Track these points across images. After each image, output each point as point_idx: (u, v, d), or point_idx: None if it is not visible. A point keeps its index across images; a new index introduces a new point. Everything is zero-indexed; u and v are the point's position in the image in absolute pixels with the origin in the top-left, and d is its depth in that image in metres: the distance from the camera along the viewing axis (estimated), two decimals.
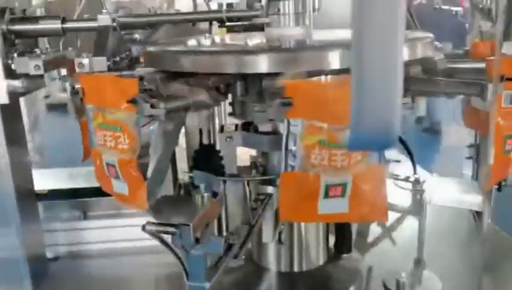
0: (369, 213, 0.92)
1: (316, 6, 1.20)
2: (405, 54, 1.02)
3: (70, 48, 1.36)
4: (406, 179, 1.55)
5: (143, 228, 0.89)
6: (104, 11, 1.23)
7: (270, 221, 1.12)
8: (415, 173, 1.53)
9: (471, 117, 1.29)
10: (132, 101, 0.88)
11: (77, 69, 1.08)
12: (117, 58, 1.19)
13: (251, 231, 1.01)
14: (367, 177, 0.88)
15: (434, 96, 1.00)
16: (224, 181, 1.12)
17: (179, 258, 0.90)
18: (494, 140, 1.03)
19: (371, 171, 0.88)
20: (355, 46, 0.57)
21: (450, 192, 1.20)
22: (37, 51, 1.27)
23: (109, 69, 1.12)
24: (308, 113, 0.87)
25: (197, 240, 0.85)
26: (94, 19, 1.20)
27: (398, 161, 1.63)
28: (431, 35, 1.14)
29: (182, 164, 1.92)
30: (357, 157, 0.88)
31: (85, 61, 1.08)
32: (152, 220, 1.14)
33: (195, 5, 1.75)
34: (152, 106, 0.88)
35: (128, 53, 1.34)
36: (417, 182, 1.47)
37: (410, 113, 0.95)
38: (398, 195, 1.30)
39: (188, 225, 0.83)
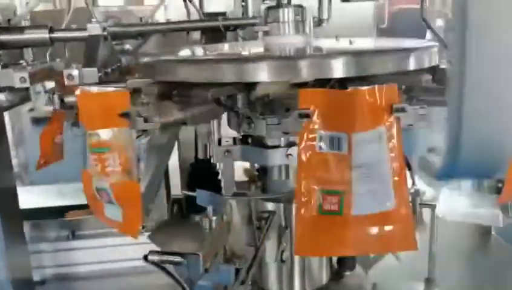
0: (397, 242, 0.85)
1: (325, 17, 1.15)
2: (414, 63, 0.97)
3: (58, 59, 1.29)
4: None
5: (145, 258, 0.81)
6: (94, 20, 1.16)
7: (274, 240, 1.06)
8: (414, 184, 1.48)
9: None
10: (124, 115, 0.81)
11: (66, 81, 1.01)
12: (108, 70, 1.12)
13: (257, 253, 0.94)
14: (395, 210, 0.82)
15: (444, 105, 0.94)
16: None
17: (184, 289, 0.82)
18: None
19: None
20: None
21: (464, 207, 1.15)
22: (23, 62, 1.20)
23: (100, 81, 1.06)
24: (328, 124, 0.81)
25: (206, 270, 0.77)
26: (84, 29, 1.13)
27: None
28: (436, 43, 1.09)
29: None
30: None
31: (75, 72, 1.01)
32: (146, 240, 1.07)
33: (188, 13, 1.70)
34: (146, 120, 0.82)
35: (118, 64, 1.27)
36: (416, 193, 1.43)
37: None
38: None
39: (197, 255, 0.75)
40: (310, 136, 0.81)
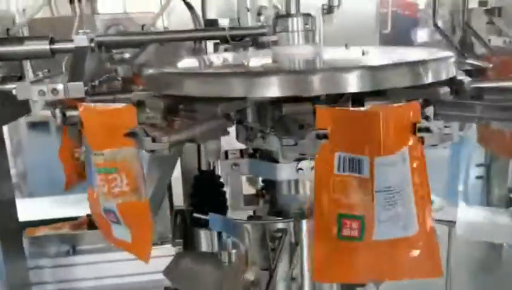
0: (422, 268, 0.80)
1: (336, 3, 1.11)
2: (430, 75, 0.94)
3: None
4: None
5: None
6: (81, 31, 1.12)
7: (286, 259, 1.02)
8: None
9: (488, 137, 1.21)
10: (131, 134, 0.76)
11: (50, 96, 0.97)
12: (96, 82, 1.07)
13: (272, 277, 0.90)
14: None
15: (467, 121, 0.91)
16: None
17: None
18: None
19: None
20: None
21: (481, 224, 1.11)
22: (40, 74, 1.16)
23: (87, 94, 1.01)
24: (347, 145, 0.76)
25: None
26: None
27: None
28: (452, 54, 1.06)
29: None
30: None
31: (59, 86, 0.97)
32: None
33: (195, 22, 1.66)
34: (154, 140, 0.77)
35: (108, 75, 1.23)
36: None
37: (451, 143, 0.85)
38: None
39: None
40: (329, 157, 0.77)
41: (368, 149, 0.75)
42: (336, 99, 0.92)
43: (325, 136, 0.76)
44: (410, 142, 0.75)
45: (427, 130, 0.74)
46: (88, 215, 1.61)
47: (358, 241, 0.77)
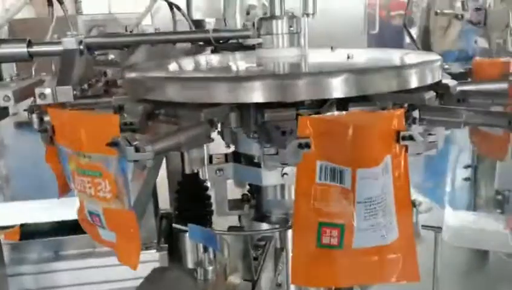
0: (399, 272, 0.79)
1: (311, 11, 1.09)
2: (416, 80, 0.92)
3: (43, 73, 1.21)
4: None
5: None
6: (68, 33, 1.08)
7: (271, 265, 1.00)
8: None
9: (480, 140, 1.21)
10: (113, 144, 0.73)
11: (38, 100, 0.93)
12: (85, 86, 1.04)
13: (255, 287, 0.88)
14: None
15: (453, 127, 0.90)
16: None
17: None
18: None
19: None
20: None
21: (468, 229, 1.09)
22: (7, 78, 1.11)
23: (76, 98, 0.98)
24: (329, 154, 0.74)
25: None
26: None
27: None
28: (439, 57, 1.04)
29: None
30: None
31: (47, 91, 0.93)
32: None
33: (174, 22, 1.64)
34: (138, 149, 0.73)
35: (97, 78, 1.20)
36: (412, 204, 1.38)
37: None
38: None
39: None
40: (310, 166, 0.75)
41: (351, 160, 0.74)
42: (321, 104, 0.90)
43: (307, 145, 0.74)
44: (393, 151, 0.74)
45: (411, 138, 0.72)
46: (21, 225, 1.55)
47: (338, 249, 0.76)
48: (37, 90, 0.91)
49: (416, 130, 0.79)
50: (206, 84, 0.88)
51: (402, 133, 0.73)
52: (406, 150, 0.74)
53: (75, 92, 0.92)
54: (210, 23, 1.96)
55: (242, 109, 0.93)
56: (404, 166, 0.74)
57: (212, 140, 0.88)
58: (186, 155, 0.95)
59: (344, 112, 0.83)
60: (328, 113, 0.82)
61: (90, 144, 0.76)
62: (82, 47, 1.01)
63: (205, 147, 1.14)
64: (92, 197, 0.80)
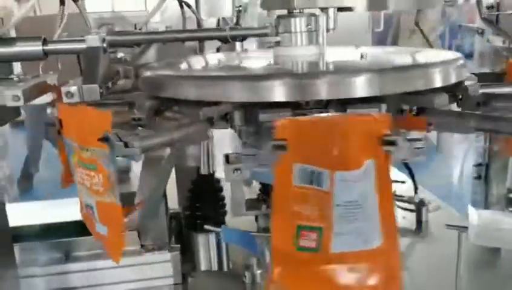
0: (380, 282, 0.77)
1: (331, 26, 1.08)
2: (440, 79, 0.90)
3: (51, 72, 1.19)
4: (410, 201, 1.46)
5: None
6: (92, 30, 1.07)
7: None
8: (416, 192, 1.44)
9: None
10: (103, 139, 0.76)
11: (65, 99, 0.92)
12: (109, 84, 1.03)
13: None
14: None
15: (462, 132, 0.87)
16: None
17: None
18: None
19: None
20: None
21: (495, 229, 1.09)
22: (14, 77, 1.10)
23: (101, 96, 0.97)
24: (307, 157, 0.73)
25: None
26: (81, 40, 1.03)
27: (403, 182, 1.54)
28: (460, 55, 1.03)
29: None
30: None
31: (73, 89, 0.92)
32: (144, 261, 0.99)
33: (184, 20, 1.62)
34: (127, 145, 0.76)
35: (117, 76, 1.19)
36: (422, 203, 1.38)
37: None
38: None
39: None
40: (287, 168, 0.74)
41: (329, 163, 0.72)
42: (325, 105, 0.87)
43: (282, 147, 0.73)
44: (376, 156, 0.72)
45: (393, 143, 0.71)
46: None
47: (315, 252, 0.75)
48: (63, 89, 0.90)
49: (403, 137, 0.77)
50: (218, 83, 0.87)
51: (385, 138, 0.71)
52: (389, 156, 0.72)
53: (101, 90, 0.91)
54: (206, 20, 1.95)
55: (240, 109, 0.90)
56: (386, 171, 0.73)
57: (209, 138, 0.88)
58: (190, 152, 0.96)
59: (324, 114, 0.82)
60: (308, 116, 0.80)
61: (88, 138, 0.78)
62: (105, 45, 1.00)
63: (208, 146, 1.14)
64: (88, 190, 0.82)
